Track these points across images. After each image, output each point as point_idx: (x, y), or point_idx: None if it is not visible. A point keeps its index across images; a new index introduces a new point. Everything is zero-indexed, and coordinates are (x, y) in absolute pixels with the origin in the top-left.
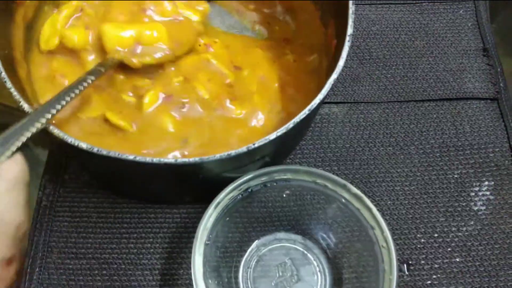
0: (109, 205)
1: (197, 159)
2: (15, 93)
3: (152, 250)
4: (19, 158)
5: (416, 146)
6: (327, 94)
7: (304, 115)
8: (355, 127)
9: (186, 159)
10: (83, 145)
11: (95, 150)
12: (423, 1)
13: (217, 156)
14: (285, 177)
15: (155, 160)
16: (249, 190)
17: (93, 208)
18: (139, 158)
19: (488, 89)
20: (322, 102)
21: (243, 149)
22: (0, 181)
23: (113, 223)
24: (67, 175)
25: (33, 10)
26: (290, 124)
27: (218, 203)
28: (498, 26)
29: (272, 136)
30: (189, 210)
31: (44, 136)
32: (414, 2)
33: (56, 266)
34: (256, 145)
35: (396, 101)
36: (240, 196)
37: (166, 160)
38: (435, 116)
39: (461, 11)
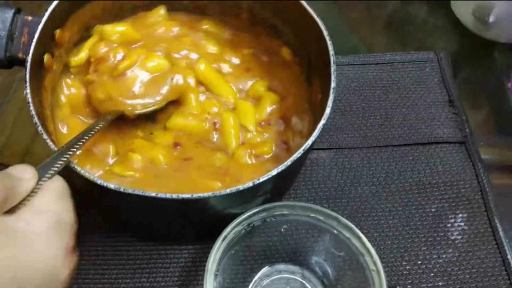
0: (122, 244)
1: (210, 194)
2: (50, 143)
3: (163, 283)
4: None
5: (396, 185)
6: (316, 140)
7: (299, 154)
8: (341, 169)
9: (201, 194)
10: (111, 186)
11: (121, 189)
12: (394, 61)
13: (228, 190)
14: (282, 212)
15: (174, 196)
16: (252, 225)
17: (108, 247)
18: (160, 195)
19: (456, 134)
20: (314, 144)
21: (249, 184)
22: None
23: (126, 259)
24: (84, 218)
25: (57, 76)
26: (289, 162)
27: (225, 237)
28: (461, 80)
29: (274, 172)
30: (195, 246)
31: None
32: (387, 62)
33: None
34: (260, 180)
35: (376, 146)
36: (244, 230)
37: (183, 196)
38: (411, 158)
39: (427, 69)
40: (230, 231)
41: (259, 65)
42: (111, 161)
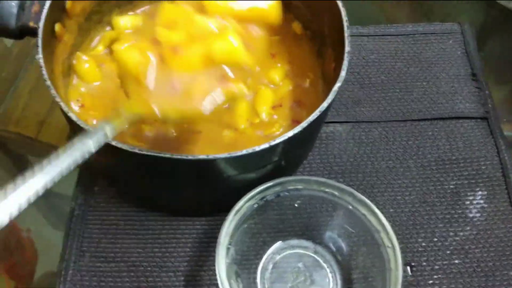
0: (135, 214)
1: (226, 154)
2: (64, 107)
3: (175, 254)
4: None
5: (414, 160)
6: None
7: (316, 116)
8: (358, 143)
9: (217, 155)
10: (126, 147)
11: (137, 150)
12: (415, 33)
13: (244, 151)
14: (296, 187)
15: (190, 156)
16: (265, 199)
17: (120, 217)
18: (176, 156)
19: (478, 109)
20: (330, 106)
21: (266, 145)
22: None
23: (139, 229)
24: (97, 187)
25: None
26: (305, 123)
27: (238, 211)
28: (485, 54)
29: (290, 133)
30: (208, 219)
31: None
32: (408, 34)
33: (88, 269)
34: (276, 141)
35: (394, 121)
36: (256, 205)
37: (199, 156)
38: (430, 133)
39: (450, 41)
40: (243, 205)
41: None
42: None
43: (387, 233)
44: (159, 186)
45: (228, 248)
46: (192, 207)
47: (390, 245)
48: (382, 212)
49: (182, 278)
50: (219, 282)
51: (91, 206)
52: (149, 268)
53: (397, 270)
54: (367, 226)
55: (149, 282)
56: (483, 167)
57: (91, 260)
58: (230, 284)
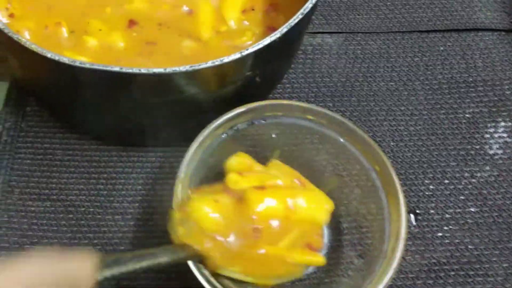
0: (76, 142)
1: (187, 67)
2: None
3: (124, 192)
4: None
5: (422, 82)
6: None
7: (297, 19)
8: (352, 59)
9: (176, 68)
10: (64, 59)
11: (77, 63)
12: None
13: (209, 63)
14: (275, 113)
15: (143, 70)
16: (235, 128)
17: (58, 145)
18: (125, 69)
19: (502, 19)
20: (315, 7)
21: (236, 55)
22: None
23: (80, 161)
24: (29, 107)
25: None
26: (284, 29)
27: (202, 141)
28: None
29: (266, 40)
30: (165, 150)
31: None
32: None
33: (17, 208)
34: (249, 51)
35: (397, 32)
36: (225, 135)
37: (155, 70)
38: (442, 48)
39: None
40: (209, 135)
41: None
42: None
43: (386, 173)
44: (105, 108)
45: (188, 186)
46: (146, 134)
47: (390, 188)
48: (381, 146)
49: (132, 223)
50: None
51: (22, 131)
52: (91, 209)
53: (399, 219)
54: (361, 163)
55: (91, 226)
56: (507, 92)
57: (21, 197)
58: None
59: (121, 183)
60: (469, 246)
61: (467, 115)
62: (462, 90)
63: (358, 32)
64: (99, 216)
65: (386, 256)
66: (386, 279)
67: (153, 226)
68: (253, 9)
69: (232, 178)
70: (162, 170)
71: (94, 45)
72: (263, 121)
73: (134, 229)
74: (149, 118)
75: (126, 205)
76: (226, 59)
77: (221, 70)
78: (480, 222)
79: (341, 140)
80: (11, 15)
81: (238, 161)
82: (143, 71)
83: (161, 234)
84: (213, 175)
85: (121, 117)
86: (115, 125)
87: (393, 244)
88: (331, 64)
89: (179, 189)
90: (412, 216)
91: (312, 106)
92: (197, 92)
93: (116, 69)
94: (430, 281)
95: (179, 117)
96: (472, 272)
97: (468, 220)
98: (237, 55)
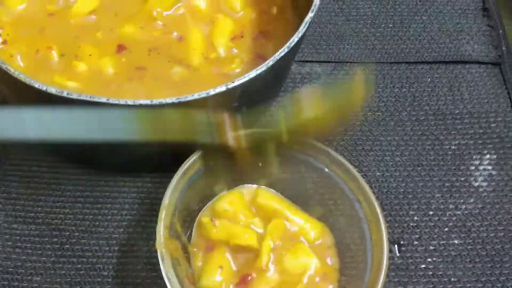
0: (63, 165)
1: (174, 99)
2: None
3: (109, 217)
4: None
5: (409, 113)
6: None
7: (284, 52)
8: None
9: (162, 99)
10: (52, 90)
11: (65, 94)
12: None
13: (196, 95)
14: None
15: (129, 101)
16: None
17: (46, 168)
18: (112, 100)
19: (489, 52)
20: (302, 40)
21: (222, 88)
22: None
23: (66, 185)
24: None
25: None
26: (270, 62)
27: (189, 167)
28: None
29: (252, 73)
30: (153, 177)
31: None
32: None
33: (2, 230)
34: (236, 83)
35: (386, 62)
36: (212, 162)
37: (141, 101)
38: (429, 80)
39: None
40: (193, 163)
41: None
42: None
43: (369, 204)
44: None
45: (173, 213)
46: (133, 162)
47: (372, 221)
48: (367, 176)
49: (117, 248)
50: (159, 254)
51: (9, 153)
52: (76, 233)
53: (381, 250)
54: (345, 193)
55: (76, 250)
56: (493, 125)
57: (6, 220)
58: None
59: (107, 208)
60: (452, 279)
61: (453, 147)
62: (449, 121)
63: (347, 62)
64: (83, 241)
65: (367, 286)
66: None
67: (138, 252)
68: (242, 36)
69: (204, 222)
70: (149, 196)
71: (84, 70)
72: None
73: (119, 255)
74: (137, 146)
75: (111, 230)
76: (213, 92)
77: (207, 102)
78: (464, 255)
79: (327, 170)
80: (4, 42)
81: (228, 201)
82: (129, 102)
83: (145, 260)
84: (199, 199)
85: (109, 145)
86: (103, 152)
87: (374, 275)
88: None
89: (163, 215)
90: (396, 247)
91: None
92: None
93: (103, 100)
94: None
95: (167, 147)
96: None
97: (452, 252)
98: (223, 88)
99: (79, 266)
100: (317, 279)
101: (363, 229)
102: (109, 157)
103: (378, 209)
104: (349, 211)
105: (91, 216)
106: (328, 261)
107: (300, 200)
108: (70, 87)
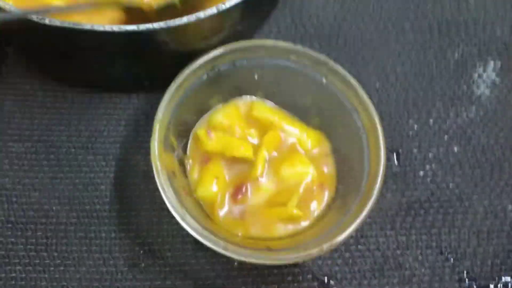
0: (57, 83)
1: (162, 24)
2: None
3: (105, 134)
4: None
5: (411, 22)
6: None
7: None
8: None
9: (149, 25)
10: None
11: (46, 21)
12: None
13: (185, 19)
14: (258, 54)
15: (115, 28)
16: (216, 69)
17: (38, 85)
18: (97, 27)
19: None
20: None
21: (213, 10)
22: None
23: (61, 103)
24: (11, 48)
25: None
26: None
27: (181, 83)
28: None
29: None
30: (148, 94)
31: None
32: None
33: None
34: (226, 6)
35: None
36: (206, 75)
37: (128, 28)
38: None
39: None
40: (188, 76)
41: None
42: None
43: (367, 114)
44: (82, 61)
45: (168, 127)
46: (127, 81)
47: (370, 129)
48: (367, 87)
49: (114, 163)
50: (154, 167)
51: (1, 72)
52: (73, 150)
53: (378, 158)
54: (343, 104)
55: (73, 166)
56: (498, 32)
57: (1, 138)
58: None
59: (103, 125)
60: (451, 185)
61: (456, 55)
62: (453, 30)
63: None
64: (80, 157)
65: (364, 193)
66: (362, 215)
67: (135, 166)
68: None
69: (200, 134)
70: (145, 112)
71: None
72: (245, 62)
73: (116, 169)
74: (127, 68)
75: (108, 146)
76: (202, 15)
77: (197, 25)
78: (463, 162)
79: (324, 80)
80: None
81: (224, 114)
82: (115, 29)
83: (143, 174)
84: (194, 113)
85: (99, 68)
86: (96, 75)
87: (371, 183)
88: (319, 3)
89: (157, 129)
90: (394, 155)
91: (295, 47)
92: (175, 48)
93: (87, 27)
94: (409, 218)
95: (159, 66)
96: (452, 210)
97: (451, 160)
98: (212, 11)
99: (76, 181)
100: (314, 188)
101: (361, 138)
102: (102, 78)
103: (376, 119)
104: (347, 121)
105: (87, 133)
106: (325, 169)
107: (298, 111)
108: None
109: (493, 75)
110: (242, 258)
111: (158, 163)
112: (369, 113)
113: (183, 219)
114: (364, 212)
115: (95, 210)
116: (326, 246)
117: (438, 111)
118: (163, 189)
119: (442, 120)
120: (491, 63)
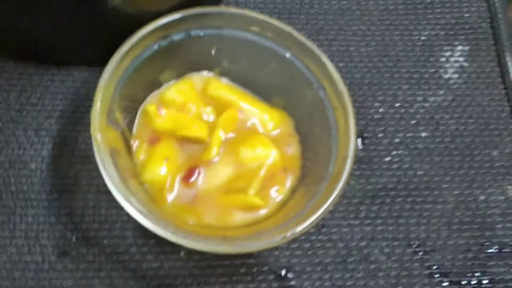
0: None
1: None
2: None
3: (39, 107)
4: None
5: (376, 1)
6: None
7: None
8: None
9: None
10: None
11: None
12: None
13: None
14: (215, 23)
15: None
16: (169, 39)
17: None
18: None
19: None
20: None
21: None
22: None
23: None
24: None
25: None
26: None
27: (128, 51)
28: None
29: None
30: (91, 68)
31: None
32: None
33: None
34: None
35: None
36: (157, 45)
37: None
38: None
39: None
40: (137, 43)
41: None
42: None
43: (335, 90)
44: (16, 24)
45: (112, 100)
46: (67, 51)
47: (339, 106)
48: None
49: (47, 140)
50: (93, 140)
51: None
52: (0, 124)
53: (347, 138)
54: (309, 80)
55: None
56: (466, 15)
57: None
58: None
59: (36, 97)
60: (419, 172)
61: (423, 38)
62: (419, 11)
63: None
64: (8, 131)
65: (331, 177)
66: (329, 201)
67: (71, 144)
68: None
69: (149, 110)
70: (85, 85)
71: None
72: (201, 33)
73: (49, 146)
74: (70, 36)
75: (41, 121)
76: None
77: None
78: (432, 148)
79: (288, 55)
80: None
81: (177, 90)
82: None
83: (80, 153)
84: (143, 88)
85: (38, 34)
86: (31, 41)
87: (340, 164)
88: None
89: (100, 98)
90: (359, 140)
91: (258, 16)
92: (125, 10)
93: None
94: (375, 207)
95: (108, 35)
96: (421, 199)
97: (419, 145)
98: None
99: (2, 158)
100: (276, 172)
101: (327, 117)
102: (40, 42)
103: (346, 95)
104: (313, 99)
105: (17, 106)
106: (289, 150)
107: (259, 90)
108: None
109: (460, 59)
110: (194, 246)
111: (99, 135)
112: (338, 90)
113: (127, 200)
114: (333, 195)
115: (21, 191)
116: (290, 234)
117: (404, 94)
118: (104, 166)
119: (409, 104)
120: (459, 47)
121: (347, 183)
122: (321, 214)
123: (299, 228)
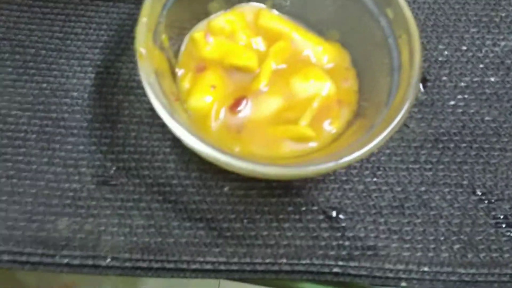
0: None
1: None
2: None
3: (83, 37)
4: None
5: None
6: None
7: None
8: None
9: None
10: None
11: None
12: None
13: None
14: None
15: None
16: None
17: None
18: None
19: None
20: None
21: None
22: None
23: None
24: None
25: None
26: None
27: None
28: None
29: None
30: (138, 3)
31: None
32: None
33: None
34: None
35: None
36: None
37: None
38: None
39: None
40: None
41: None
42: None
43: (399, 16)
44: None
45: (158, 20)
46: None
47: (402, 34)
48: None
49: (90, 69)
50: (137, 55)
51: None
52: (43, 51)
53: (412, 69)
54: (368, 8)
55: (41, 69)
56: None
57: None
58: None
59: (80, 27)
60: (486, 118)
61: None
62: None
63: None
64: (51, 59)
65: (391, 108)
66: (388, 130)
67: (114, 74)
68: None
69: (196, 37)
70: (132, 17)
71: None
72: None
73: (92, 76)
74: None
75: (84, 50)
76: None
77: None
78: (501, 93)
79: None
80: None
81: (226, 20)
82: None
83: (123, 84)
84: (190, 18)
85: None
86: None
87: (402, 94)
88: None
89: (146, 13)
90: (420, 82)
91: None
92: None
93: None
94: (437, 152)
95: None
96: (488, 146)
97: (487, 90)
98: None
99: (44, 85)
100: (331, 103)
101: (389, 46)
102: None
103: (411, 21)
104: (373, 28)
105: (61, 34)
106: (345, 83)
107: (313, 24)
108: None
109: None
110: (245, 167)
111: (143, 49)
112: (404, 16)
113: (172, 117)
114: (393, 124)
115: (62, 118)
116: (343, 160)
117: (472, 38)
118: (149, 83)
119: (476, 47)
120: None
121: (408, 113)
122: (378, 143)
123: (354, 155)
